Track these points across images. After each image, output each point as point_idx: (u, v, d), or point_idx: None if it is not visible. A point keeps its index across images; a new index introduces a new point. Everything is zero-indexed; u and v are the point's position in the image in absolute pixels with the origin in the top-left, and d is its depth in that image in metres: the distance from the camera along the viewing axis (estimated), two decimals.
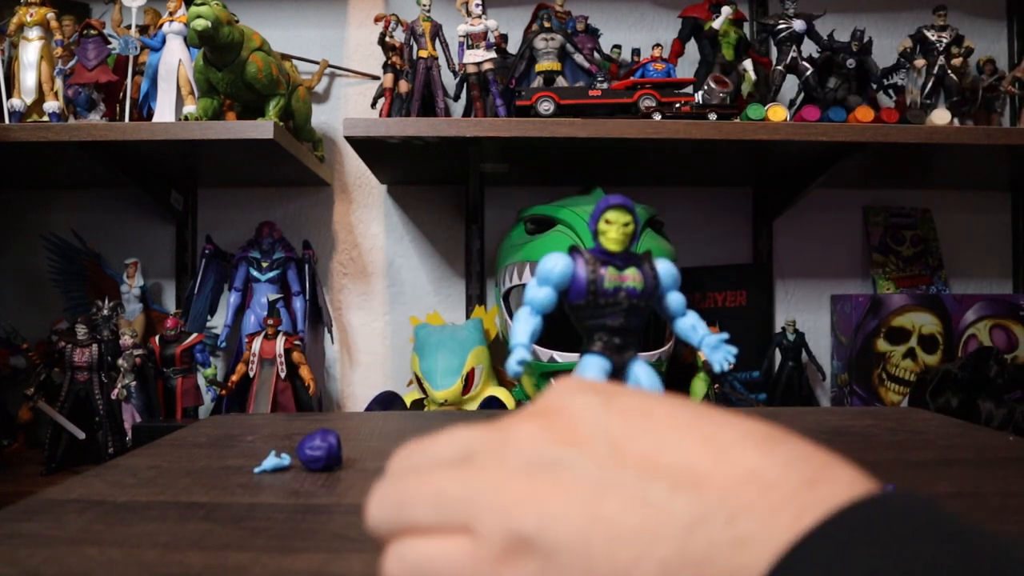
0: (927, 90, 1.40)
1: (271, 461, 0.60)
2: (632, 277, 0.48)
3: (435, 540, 0.24)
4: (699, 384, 1.45)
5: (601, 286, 0.47)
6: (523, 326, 0.47)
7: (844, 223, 1.77)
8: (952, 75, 1.40)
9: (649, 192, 1.70)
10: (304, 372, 1.35)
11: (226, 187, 1.70)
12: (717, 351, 0.49)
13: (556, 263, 0.47)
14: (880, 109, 1.34)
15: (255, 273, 1.47)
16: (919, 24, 1.45)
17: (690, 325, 0.51)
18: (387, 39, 1.38)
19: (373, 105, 1.45)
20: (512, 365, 0.45)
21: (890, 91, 1.48)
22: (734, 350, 0.49)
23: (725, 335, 0.51)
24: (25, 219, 1.69)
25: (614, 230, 0.48)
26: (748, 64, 1.44)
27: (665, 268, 0.50)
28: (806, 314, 1.75)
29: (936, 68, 1.40)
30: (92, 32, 1.31)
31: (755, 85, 1.45)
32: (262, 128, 1.24)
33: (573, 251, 0.49)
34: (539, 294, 0.48)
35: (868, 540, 0.19)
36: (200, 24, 1.15)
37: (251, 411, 1.33)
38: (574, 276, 0.48)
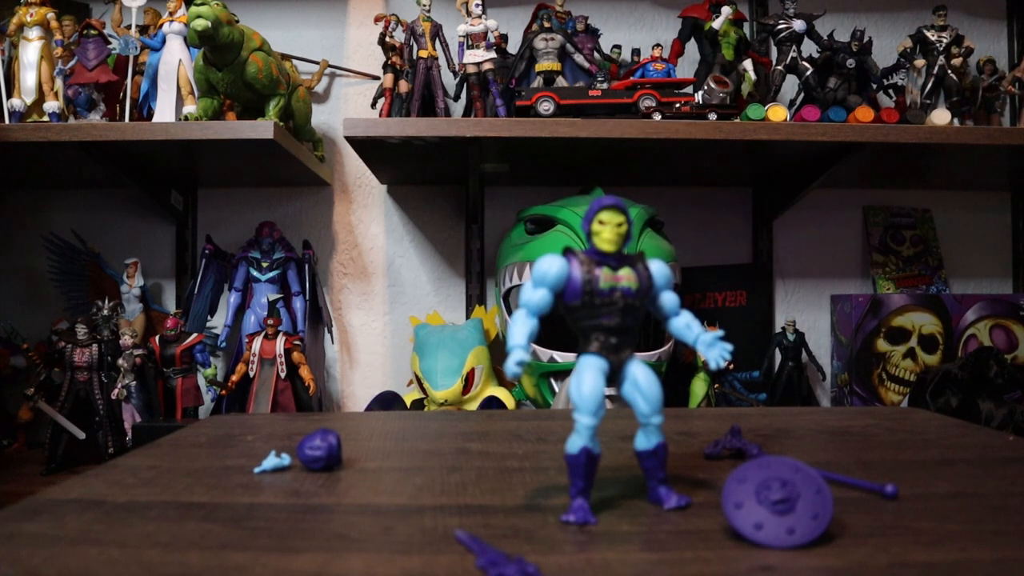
0: (927, 90, 1.40)
1: (271, 461, 0.60)
2: (627, 277, 0.48)
3: None
4: (699, 384, 1.45)
5: (597, 286, 0.47)
6: (520, 328, 0.47)
7: (844, 223, 1.77)
8: (952, 75, 1.40)
9: (649, 192, 1.70)
10: (304, 372, 1.35)
11: (226, 187, 1.70)
12: (712, 348, 0.50)
13: (551, 265, 0.48)
14: (880, 109, 1.34)
15: (255, 273, 1.47)
16: (919, 24, 1.45)
17: (684, 324, 0.51)
18: (387, 39, 1.38)
19: (373, 105, 1.45)
20: (510, 367, 0.45)
21: (890, 91, 1.48)
22: (729, 347, 0.50)
23: (720, 332, 0.51)
24: (25, 219, 1.69)
25: (608, 231, 0.48)
26: (748, 64, 1.44)
27: (658, 268, 0.50)
28: (806, 314, 1.75)
29: (936, 68, 1.40)
30: (92, 32, 1.31)
31: (755, 85, 1.44)
32: (262, 128, 1.24)
33: (568, 253, 0.49)
34: (535, 296, 0.48)
35: None
36: (200, 24, 1.15)
37: (251, 411, 1.33)
38: (569, 277, 0.48)
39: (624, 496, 0.51)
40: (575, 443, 0.47)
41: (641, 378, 0.48)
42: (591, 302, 0.48)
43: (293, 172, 1.53)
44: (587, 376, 0.47)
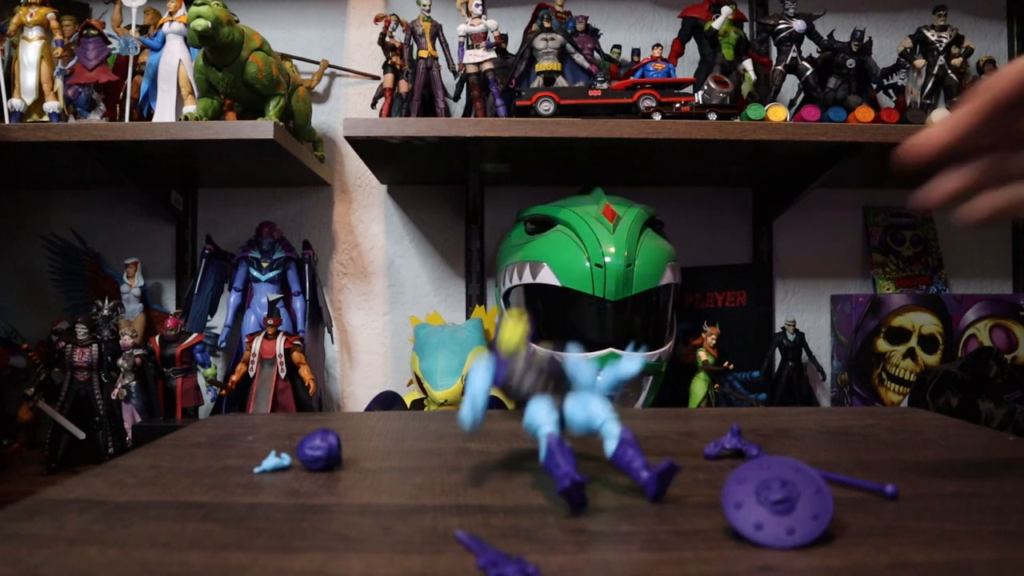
0: (927, 90, 1.40)
1: (271, 461, 0.60)
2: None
3: None
4: (699, 384, 1.45)
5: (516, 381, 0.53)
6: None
7: (844, 223, 1.77)
8: (952, 75, 1.40)
9: (649, 192, 1.70)
10: (304, 372, 1.35)
11: (226, 187, 1.70)
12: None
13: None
14: (880, 109, 1.34)
15: (255, 273, 1.47)
16: (919, 24, 1.45)
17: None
18: (387, 39, 1.38)
19: (373, 105, 1.45)
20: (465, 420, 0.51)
21: (890, 91, 1.48)
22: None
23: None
24: (25, 219, 1.69)
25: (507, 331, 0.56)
26: (748, 64, 1.44)
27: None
28: (806, 314, 1.75)
29: (936, 68, 1.40)
30: (92, 32, 1.31)
31: (755, 85, 1.44)
32: (262, 128, 1.24)
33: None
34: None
35: None
36: (200, 24, 1.15)
37: (251, 411, 1.33)
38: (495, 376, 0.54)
39: (624, 496, 0.51)
40: (543, 451, 0.49)
41: (571, 404, 0.51)
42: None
43: (293, 172, 1.53)
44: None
